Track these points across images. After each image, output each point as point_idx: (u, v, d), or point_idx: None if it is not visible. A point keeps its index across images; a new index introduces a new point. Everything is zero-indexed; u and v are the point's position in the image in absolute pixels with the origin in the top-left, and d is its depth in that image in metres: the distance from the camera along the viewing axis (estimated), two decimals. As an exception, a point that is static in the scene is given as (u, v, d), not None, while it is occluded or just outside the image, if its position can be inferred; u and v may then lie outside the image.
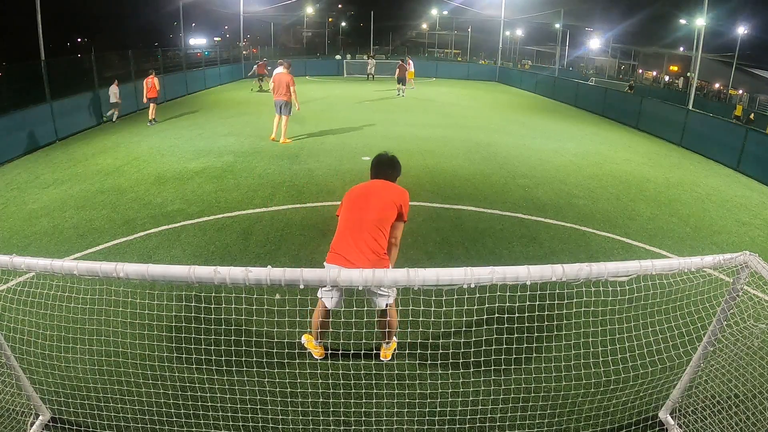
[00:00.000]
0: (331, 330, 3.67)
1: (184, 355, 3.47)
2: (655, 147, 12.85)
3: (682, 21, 36.65)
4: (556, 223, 6.57)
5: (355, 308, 3.97)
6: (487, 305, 2.85)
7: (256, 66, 23.58)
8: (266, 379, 3.31)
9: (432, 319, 3.34)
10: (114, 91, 13.34)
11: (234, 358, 3.27)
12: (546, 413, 3.15)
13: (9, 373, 2.85)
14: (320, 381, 3.37)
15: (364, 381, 3.44)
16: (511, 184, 8.32)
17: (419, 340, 3.57)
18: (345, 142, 11.03)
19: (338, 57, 17.97)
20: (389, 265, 3.23)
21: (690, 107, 16.37)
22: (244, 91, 22.11)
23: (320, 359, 3.60)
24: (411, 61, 23.67)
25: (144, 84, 13.36)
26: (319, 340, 3.63)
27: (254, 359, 3.29)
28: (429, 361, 3.58)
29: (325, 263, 3.24)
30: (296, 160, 9.37)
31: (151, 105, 13.41)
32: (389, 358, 3.60)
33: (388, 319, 3.39)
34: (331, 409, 3.18)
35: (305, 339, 3.71)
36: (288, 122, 10.73)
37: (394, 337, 3.65)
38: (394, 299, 3.33)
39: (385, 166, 3.60)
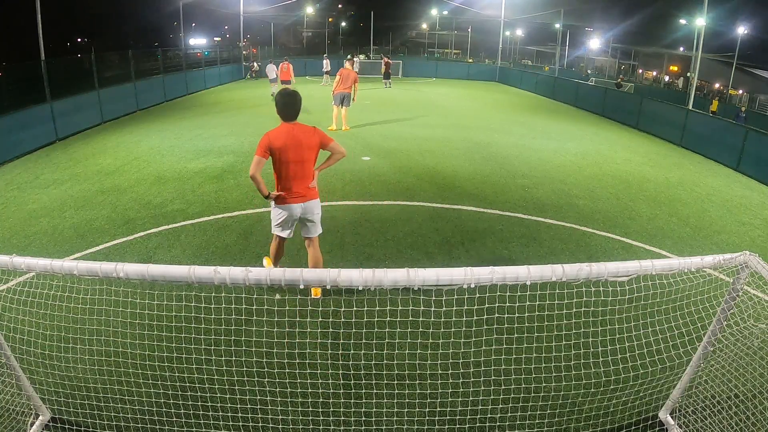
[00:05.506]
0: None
1: (184, 355, 3.47)
2: (655, 147, 12.85)
3: (682, 21, 36.63)
4: (556, 223, 6.57)
5: (355, 309, 3.97)
6: (487, 305, 2.85)
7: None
8: (266, 379, 3.31)
9: (432, 319, 3.34)
10: (325, 63, 23.86)
11: (234, 358, 3.27)
12: (546, 413, 3.15)
13: (9, 373, 2.85)
14: (320, 381, 3.37)
15: (364, 381, 3.44)
16: (511, 184, 8.32)
17: (419, 340, 3.57)
18: (344, 142, 11.02)
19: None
20: (316, 184, 4.24)
21: (690, 107, 16.36)
22: (245, 90, 22.13)
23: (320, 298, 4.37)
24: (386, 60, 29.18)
25: (279, 68, 17.67)
26: (277, 265, 4.58)
27: (254, 359, 3.29)
28: (429, 361, 3.58)
29: (286, 204, 4.09)
30: (296, 160, 9.36)
31: (284, 86, 16.69)
32: (320, 295, 4.34)
33: (318, 255, 4.36)
34: (331, 409, 3.18)
35: (265, 261, 4.86)
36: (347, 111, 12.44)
37: None
38: (321, 229, 4.35)
39: (293, 107, 4.09)
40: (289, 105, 4.07)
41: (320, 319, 3.94)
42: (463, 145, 11.18)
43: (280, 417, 3.03)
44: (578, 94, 20.81)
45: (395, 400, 3.26)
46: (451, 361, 3.56)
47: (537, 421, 3.10)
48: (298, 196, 4.11)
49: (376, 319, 2.99)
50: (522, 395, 3.21)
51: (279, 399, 3.18)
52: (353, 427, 3.04)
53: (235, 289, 3.30)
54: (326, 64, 26.33)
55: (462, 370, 3.44)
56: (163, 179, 8.09)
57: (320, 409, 3.17)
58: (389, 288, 2.07)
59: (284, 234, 4.29)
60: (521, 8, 40.07)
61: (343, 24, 75.27)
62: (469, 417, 3.05)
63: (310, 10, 53.72)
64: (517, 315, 3.32)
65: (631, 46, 52.07)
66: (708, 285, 3.40)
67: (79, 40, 54.72)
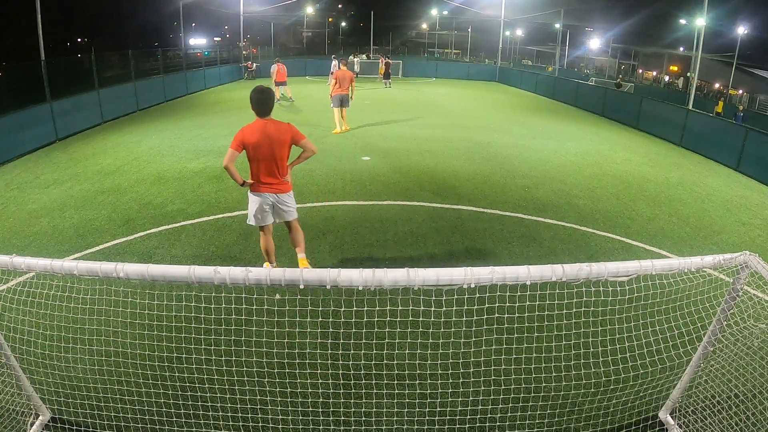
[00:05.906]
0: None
1: (184, 355, 3.48)
2: (655, 147, 12.84)
3: (682, 21, 36.62)
4: (556, 223, 6.57)
5: (355, 309, 3.97)
6: (487, 305, 2.85)
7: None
8: (266, 379, 3.31)
9: (432, 319, 3.34)
10: (334, 64, 20.89)
11: (234, 358, 3.27)
12: (546, 413, 3.15)
13: (9, 373, 2.85)
14: (320, 381, 3.37)
15: (364, 381, 3.44)
16: (511, 184, 8.32)
17: (419, 340, 3.57)
18: (344, 142, 11.03)
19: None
20: (290, 179, 4.47)
21: (690, 107, 16.36)
22: (245, 90, 22.10)
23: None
24: (385, 60, 28.20)
25: (277, 70, 16.86)
26: (274, 264, 4.66)
27: (254, 359, 3.29)
28: (429, 361, 3.58)
29: (259, 192, 4.31)
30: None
31: (281, 86, 16.65)
32: (309, 267, 4.56)
33: (299, 233, 4.61)
34: (331, 409, 3.18)
35: (265, 267, 4.57)
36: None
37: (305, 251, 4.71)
38: (296, 215, 4.56)
39: (266, 104, 4.28)
40: (261, 101, 4.24)
41: (320, 319, 3.93)
42: (463, 145, 11.17)
43: (280, 417, 3.03)
44: (578, 94, 20.81)
45: (395, 400, 3.27)
46: (451, 361, 3.56)
47: (537, 421, 3.10)
48: (271, 186, 4.33)
49: (376, 319, 2.99)
50: (522, 395, 3.22)
51: (279, 399, 3.18)
52: (353, 427, 3.04)
53: (235, 289, 3.30)
54: (335, 65, 24.86)
55: (462, 370, 3.44)
56: (163, 179, 8.09)
57: (320, 409, 3.17)
58: (389, 288, 2.07)
59: (260, 222, 4.45)
60: (521, 8, 40.02)
61: (343, 24, 75.26)
62: (469, 417, 3.05)
63: (310, 10, 53.71)
64: (517, 315, 3.32)
65: (631, 46, 52.06)
66: (708, 285, 3.40)
67: (79, 40, 54.70)
